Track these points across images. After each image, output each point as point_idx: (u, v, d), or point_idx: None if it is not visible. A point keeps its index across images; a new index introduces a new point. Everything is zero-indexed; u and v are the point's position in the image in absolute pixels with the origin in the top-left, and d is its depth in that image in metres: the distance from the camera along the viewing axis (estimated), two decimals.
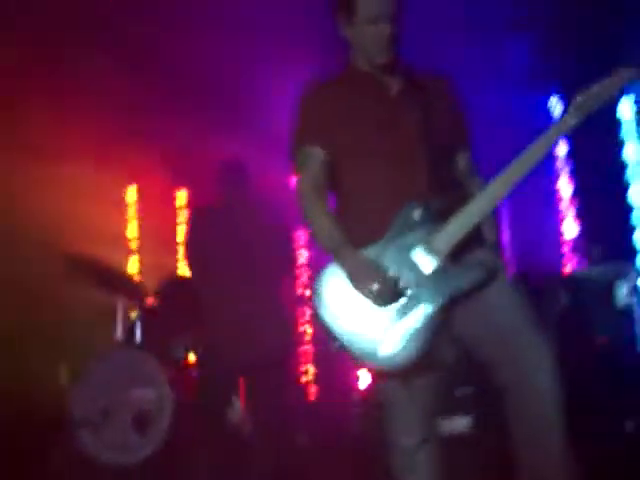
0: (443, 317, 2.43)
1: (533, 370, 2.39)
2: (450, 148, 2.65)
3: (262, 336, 3.93)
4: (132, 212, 7.42)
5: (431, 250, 2.45)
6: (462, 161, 2.69)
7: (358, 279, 2.41)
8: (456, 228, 2.45)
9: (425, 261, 2.45)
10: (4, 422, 5.38)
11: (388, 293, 2.40)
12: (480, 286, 2.45)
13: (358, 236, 2.50)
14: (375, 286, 2.39)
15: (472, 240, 2.49)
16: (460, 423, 3.81)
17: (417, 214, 2.46)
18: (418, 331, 2.40)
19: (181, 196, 7.28)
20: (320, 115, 2.61)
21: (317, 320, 2.50)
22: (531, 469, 2.41)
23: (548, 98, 6.34)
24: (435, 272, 2.44)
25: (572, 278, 5.92)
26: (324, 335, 2.47)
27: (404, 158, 2.53)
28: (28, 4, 5.43)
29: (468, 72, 4.08)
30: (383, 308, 2.41)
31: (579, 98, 2.44)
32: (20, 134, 6.14)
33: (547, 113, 6.34)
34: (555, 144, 2.52)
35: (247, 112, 6.28)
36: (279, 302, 4.15)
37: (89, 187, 6.85)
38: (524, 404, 2.40)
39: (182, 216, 7.24)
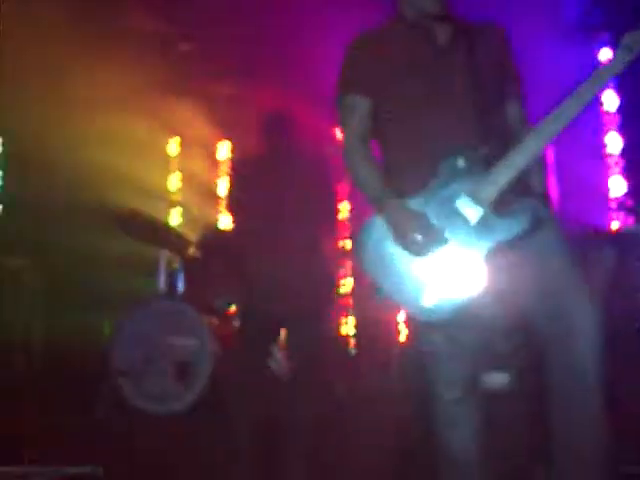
0: (488, 268, 2.39)
1: (578, 331, 2.33)
2: (499, 97, 2.60)
3: (297, 287, 3.94)
4: (174, 164, 7.43)
5: (476, 199, 2.41)
6: (512, 110, 2.64)
7: (402, 230, 2.39)
8: (501, 176, 2.41)
9: (470, 210, 2.41)
10: (53, 373, 5.50)
11: (431, 244, 2.37)
12: (526, 235, 2.39)
13: (403, 186, 2.49)
14: (418, 237, 2.37)
15: (518, 189, 2.45)
16: (500, 379, 3.78)
17: (461, 162, 2.43)
18: (462, 282, 2.38)
19: (223, 148, 7.26)
20: (366, 64, 2.58)
21: (361, 271, 2.50)
22: (561, 430, 2.38)
23: (600, 50, 6.18)
24: (480, 221, 2.40)
25: (619, 236, 5.80)
26: (367, 287, 2.46)
27: (451, 107, 2.50)
28: None
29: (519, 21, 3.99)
30: (425, 258, 2.39)
31: (628, 38, 2.37)
32: (68, 87, 6.18)
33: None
34: (603, 88, 2.43)
35: (292, 64, 6.21)
36: (318, 254, 4.15)
37: (132, 140, 6.89)
38: (564, 362, 2.36)
39: (224, 168, 7.23)
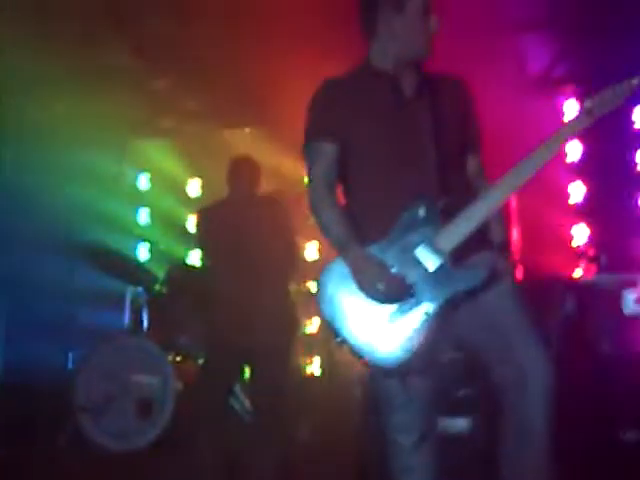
0: (444, 317, 2.44)
1: (530, 377, 2.39)
2: (460, 150, 2.66)
3: (261, 324, 4.00)
4: (144, 200, 7.45)
5: (435, 249, 2.46)
6: (472, 163, 2.71)
7: (364, 278, 2.42)
8: (460, 227, 2.46)
9: (428, 259, 2.45)
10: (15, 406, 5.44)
11: (393, 292, 2.41)
12: (483, 287, 2.44)
13: (364, 233, 2.52)
14: (380, 285, 2.40)
15: (477, 240, 2.50)
16: (459, 424, 3.83)
17: (422, 212, 2.47)
18: (417, 330, 2.42)
19: (194, 185, 7.29)
20: (332, 112, 2.60)
21: (320, 314, 2.53)
22: (514, 465, 2.45)
23: (564, 102, 6.33)
24: (438, 271, 2.45)
25: (579, 284, 5.90)
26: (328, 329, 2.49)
27: (413, 159, 2.54)
28: None
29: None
30: (384, 306, 2.42)
31: (589, 103, 2.47)
32: (37, 119, 6.17)
33: (562, 117, 6.34)
34: (562, 147, 2.53)
35: (264, 105, 6.26)
36: (281, 294, 4.22)
37: (102, 174, 6.90)
38: (517, 405, 2.42)
39: (194, 205, 7.25)
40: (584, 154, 6.26)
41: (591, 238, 6.25)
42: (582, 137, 6.11)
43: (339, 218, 2.54)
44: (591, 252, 6.04)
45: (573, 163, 6.31)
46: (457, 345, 2.59)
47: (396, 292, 2.41)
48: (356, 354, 2.46)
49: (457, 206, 2.48)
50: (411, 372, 2.47)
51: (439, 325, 2.43)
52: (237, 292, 4.14)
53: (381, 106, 2.59)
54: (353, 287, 2.45)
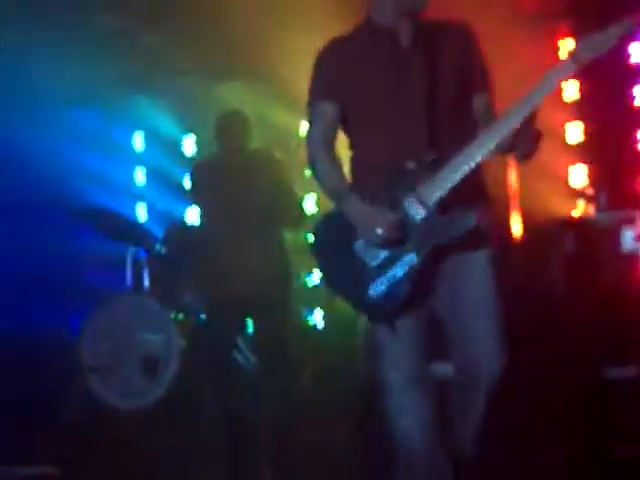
0: (426, 268, 2.53)
1: (479, 376, 2.60)
2: (461, 97, 2.67)
3: (257, 276, 4.03)
4: (139, 158, 7.42)
5: (421, 200, 2.52)
6: (478, 103, 2.70)
7: (364, 224, 2.52)
8: (445, 180, 2.51)
9: (415, 210, 2.53)
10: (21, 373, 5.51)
11: (391, 235, 2.50)
12: (464, 240, 2.51)
13: (362, 183, 2.63)
14: (379, 229, 2.49)
15: (466, 191, 2.53)
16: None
17: (411, 165, 2.53)
18: (403, 279, 2.52)
19: (189, 142, 7.25)
20: (332, 71, 2.69)
21: (316, 262, 2.69)
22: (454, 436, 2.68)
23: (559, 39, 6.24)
24: (423, 222, 2.53)
25: (578, 223, 5.91)
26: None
27: (407, 111, 2.60)
28: None
29: None
30: (378, 252, 2.53)
31: (581, 44, 2.45)
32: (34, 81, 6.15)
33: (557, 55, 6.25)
34: (553, 90, 2.50)
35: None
36: (276, 245, 4.23)
37: (97, 135, 6.87)
38: (462, 387, 2.65)
39: (189, 162, 7.22)
40: (581, 92, 6.20)
41: (590, 177, 6.22)
42: (578, 75, 6.06)
43: (336, 171, 2.65)
44: (589, 191, 6.05)
45: (571, 102, 6.25)
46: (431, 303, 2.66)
47: (394, 236, 2.50)
48: (346, 300, 2.61)
49: (448, 157, 2.51)
50: (397, 316, 2.56)
51: (421, 276, 2.53)
52: (233, 245, 4.15)
53: (378, 59, 2.65)
54: (345, 236, 2.56)
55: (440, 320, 2.68)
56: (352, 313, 5.72)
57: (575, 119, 6.23)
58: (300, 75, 5.91)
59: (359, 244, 2.58)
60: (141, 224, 6.31)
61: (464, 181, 2.51)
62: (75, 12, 5.80)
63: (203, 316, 4.99)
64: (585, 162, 6.22)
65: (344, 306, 5.71)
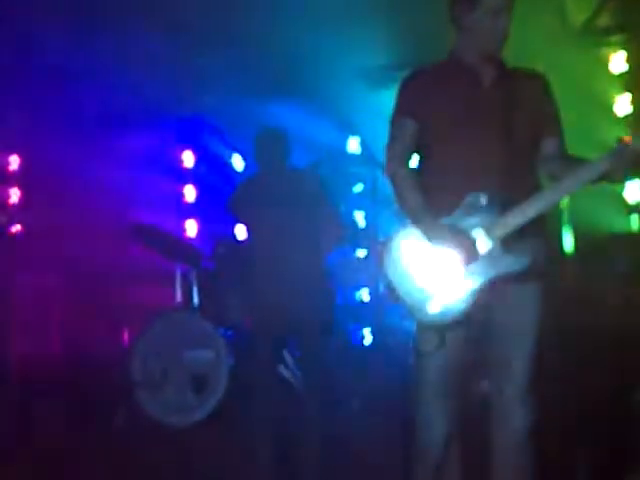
0: (481, 295, 2.73)
1: (506, 411, 2.84)
2: (533, 141, 2.85)
3: (303, 299, 4.02)
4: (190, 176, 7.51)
5: (488, 234, 2.74)
6: (548, 145, 2.88)
7: (440, 240, 2.73)
8: (514, 219, 2.72)
9: (481, 242, 2.75)
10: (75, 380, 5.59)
11: (465, 253, 2.70)
12: (522, 275, 2.73)
13: (433, 207, 2.79)
14: (453, 246, 2.70)
15: (530, 228, 2.73)
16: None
17: (483, 200, 2.74)
18: (460, 300, 2.74)
19: (237, 160, 7.33)
20: (417, 95, 2.88)
21: (382, 273, 2.88)
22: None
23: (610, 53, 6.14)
24: (487, 254, 2.74)
25: (633, 239, 5.80)
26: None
27: (484, 147, 2.77)
28: None
29: None
30: (446, 270, 2.73)
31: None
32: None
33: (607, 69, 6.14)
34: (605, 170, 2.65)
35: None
36: (319, 265, 4.23)
37: (150, 153, 6.99)
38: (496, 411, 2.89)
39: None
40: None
41: None
42: None
43: (412, 189, 2.82)
44: None
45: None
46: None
47: (467, 254, 2.71)
48: (408, 310, 2.80)
49: (517, 197, 2.72)
50: (448, 331, 2.79)
51: (477, 301, 2.74)
52: (277, 263, 4.16)
53: (459, 94, 2.83)
54: (417, 252, 2.78)
55: (486, 342, 2.90)
56: (400, 331, 5.83)
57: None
58: (345, 94, 6.01)
59: (425, 262, 2.78)
60: (189, 241, 6.37)
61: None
62: (125, 33, 5.88)
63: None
64: None
65: (392, 323, 5.80)
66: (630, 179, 2.75)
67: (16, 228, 6.81)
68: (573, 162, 2.77)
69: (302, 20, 5.63)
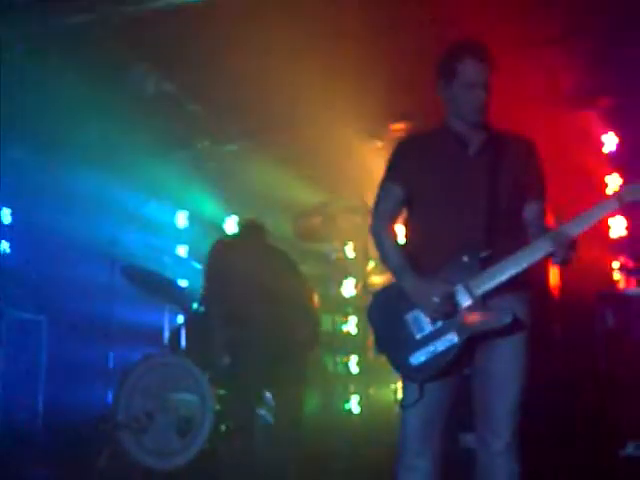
0: (464, 349, 2.85)
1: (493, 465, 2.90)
2: (517, 204, 3.00)
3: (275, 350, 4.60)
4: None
5: (469, 291, 2.87)
6: (530, 209, 3.02)
7: (421, 294, 2.87)
8: (494, 277, 2.86)
9: (462, 299, 2.87)
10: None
11: (443, 305, 2.83)
12: (502, 331, 2.83)
13: (418, 266, 2.94)
14: (436, 299, 2.83)
15: (510, 284, 2.85)
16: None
17: (465, 258, 2.88)
18: (441, 354, 2.85)
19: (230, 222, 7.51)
20: (406, 161, 3.07)
21: (371, 327, 3.04)
22: None
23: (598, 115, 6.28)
24: (467, 309, 2.86)
25: (621, 297, 5.83)
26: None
27: (467, 210, 2.94)
28: None
29: None
30: (423, 327, 2.88)
31: (626, 189, 2.88)
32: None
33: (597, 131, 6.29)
34: (595, 223, 2.85)
35: None
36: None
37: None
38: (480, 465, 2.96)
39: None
40: (619, 145, 6.19)
41: (630, 231, 6.15)
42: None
43: (396, 248, 3.02)
44: (630, 264, 5.98)
45: (610, 153, 6.25)
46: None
47: (447, 305, 2.84)
48: (391, 362, 2.94)
49: (499, 256, 2.86)
50: (430, 382, 2.89)
51: (458, 354, 2.86)
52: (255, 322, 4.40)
53: (445, 161, 3.01)
54: (399, 307, 2.92)
55: (470, 393, 2.97)
56: (388, 400, 5.87)
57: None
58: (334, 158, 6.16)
59: (409, 316, 2.91)
60: (180, 285, 6.39)
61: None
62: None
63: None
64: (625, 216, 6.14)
65: (380, 393, 5.83)
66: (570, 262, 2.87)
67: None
68: (541, 231, 2.90)
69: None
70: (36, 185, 6.49)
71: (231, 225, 7.36)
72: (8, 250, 6.78)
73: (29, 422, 6.19)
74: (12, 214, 6.86)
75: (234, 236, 5.13)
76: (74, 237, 6.37)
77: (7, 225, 6.86)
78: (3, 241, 6.76)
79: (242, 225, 5.11)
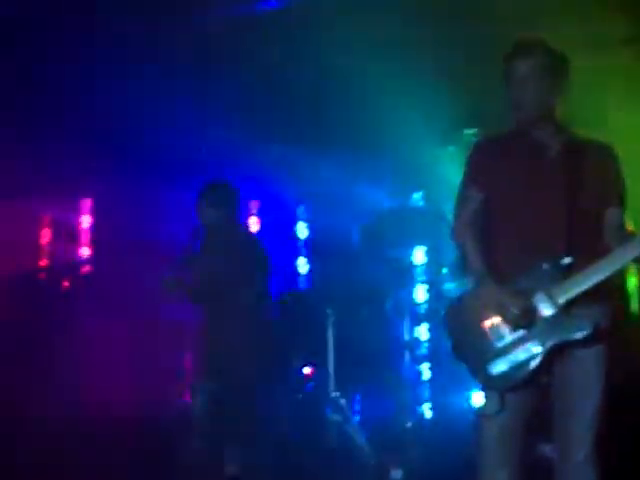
0: (545, 358, 2.79)
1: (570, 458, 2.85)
2: (597, 209, 2.93)
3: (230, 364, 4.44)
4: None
5: (550, 299, 2.81)
6: (610, 216, 2.95)
7: (500, 303, 2.82)
8: (577, 285, 2.80)
9: (544, 307, 2.81)
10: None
11: (524, 319, 2.79)
12: (585, 340, 2.78)
13: (498, 273, 2.90)
14: (515, 310, 2.79)
15: (592, 293, 2.79)
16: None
17: (546, 266, 2.82)
18: (522, 363, 2.80)
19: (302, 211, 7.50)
20: (484, 164, 3.04)
21: (448, 334, 3.00)
22: None
23: None
24: (550, 319, 2.81)
25: None
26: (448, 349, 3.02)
27: (548, 216, 2.89)
28: None
29: None
30: (507, 332, 2.83)
31: None
32: None
33: None
34: None
35: None
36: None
37: None
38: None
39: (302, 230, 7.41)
40: None
41: None
42: None
43: (477, 254, 2.96)
44: None
45: None
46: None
47: (525, 318, 2.79)
48: (469, 370, 2.90)
49: (580, 263, 2.80)
50: (511, 391, 2.84)
51: (540, 364, 2.80)
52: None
53: (524, 163, 2.97)
54: (478, 314, 2.88)
55: (549, 404, 2.93)
56: (461, 407, 5.78)
57: None
58: (410, 150, 6.08)
59: (488, 324, 2.87)
60: None
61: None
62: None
63: None
64: None
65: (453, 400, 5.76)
66: None
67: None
68: (622, 238, 2.84)
69: (367, 79, 5.76)
70: None
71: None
72: None
73: None
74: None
75: None
76: None
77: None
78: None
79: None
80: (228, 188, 4.71)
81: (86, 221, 7.60)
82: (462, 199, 3.06)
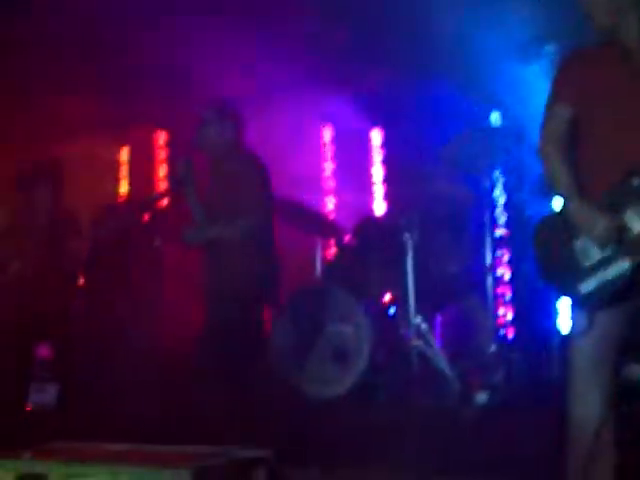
0: (635, 275, 2.74)
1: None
2: None
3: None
4: (328, 152, 7.57)
5: None
6: None
7: (588, 223, 2.78)
8: None
9: (633, 223, 2.75)
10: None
11: (613, 237, 2.75)
12: None
13: (584, 190, 2.86)
14: (603, 231, 2.75)
15: None
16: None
17: (637, 182, 2.75)
18: (612, 281, 2.76)
19: (376, 136, 7.33)
20: (573, 80, 2.95)
21: (535, 255, 2.97)
22: None
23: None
24: (639, 234, 2.74)
25: None
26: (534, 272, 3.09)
27: (637, 130, 2.81)
28: None
29: None
30: (592, 253, 2.79)
31: None
32: None
33: None
34: None
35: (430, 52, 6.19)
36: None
37: (287, 129, 7.07)
38: None
39: (377, 156, 7.30)
40: None
41: None
42: None
43: (565, 171, 2.90)
44: None
45: None
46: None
47: (614, 237, 2.75)
48: (559, 290, 2.96)
49: None
50: (600, 309, 2.80)
51: (632, 279, 2.75)
52: None
53: (614, 76, 2.89)
54: (566, 234, 2.84)
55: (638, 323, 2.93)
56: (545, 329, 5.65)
57: None
58: (491, 67, 5.88)
59: (577, 243, 2.83)
60: (329, 217, 6.41)
61: None
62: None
63: None
64: None
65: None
66: None
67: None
68: None
69: None
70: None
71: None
72: None
73: None
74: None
75: None
76: None
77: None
78: None
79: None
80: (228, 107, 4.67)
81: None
82: (548, 115, 2.99)
